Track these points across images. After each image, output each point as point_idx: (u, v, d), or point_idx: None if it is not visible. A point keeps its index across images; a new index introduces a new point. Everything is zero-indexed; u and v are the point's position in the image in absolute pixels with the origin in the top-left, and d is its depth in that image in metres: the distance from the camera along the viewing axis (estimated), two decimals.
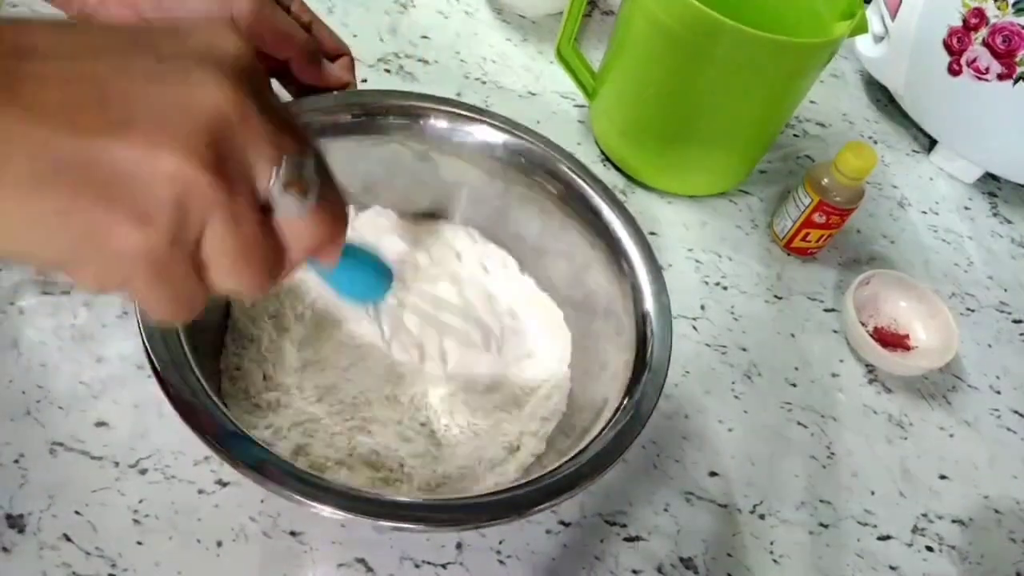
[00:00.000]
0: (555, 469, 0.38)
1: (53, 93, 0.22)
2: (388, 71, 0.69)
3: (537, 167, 0.50)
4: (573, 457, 0.39)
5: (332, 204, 0.28)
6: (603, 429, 0.40)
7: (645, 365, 0.42)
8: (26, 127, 0.21)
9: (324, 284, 0.34)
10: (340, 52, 0.47)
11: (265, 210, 0.25)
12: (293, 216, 0.26)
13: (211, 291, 0.26)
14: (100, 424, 0.44)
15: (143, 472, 0.43)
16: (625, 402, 0.41)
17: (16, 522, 0.40)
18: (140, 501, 0.42)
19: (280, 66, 0.46)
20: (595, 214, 0.49)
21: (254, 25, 0.42)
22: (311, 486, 0.33)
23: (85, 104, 0.22)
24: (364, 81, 0.66)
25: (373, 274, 0.35)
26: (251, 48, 0.25)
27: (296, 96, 0.48)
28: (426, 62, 0.71)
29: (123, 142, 0.22)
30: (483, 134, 0.49)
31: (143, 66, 0.23)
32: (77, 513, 0.41)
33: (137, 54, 0.23)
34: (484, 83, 0.71)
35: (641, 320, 0.44)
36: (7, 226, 0.22)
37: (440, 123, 0.49)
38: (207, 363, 0.41)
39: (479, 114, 0.50)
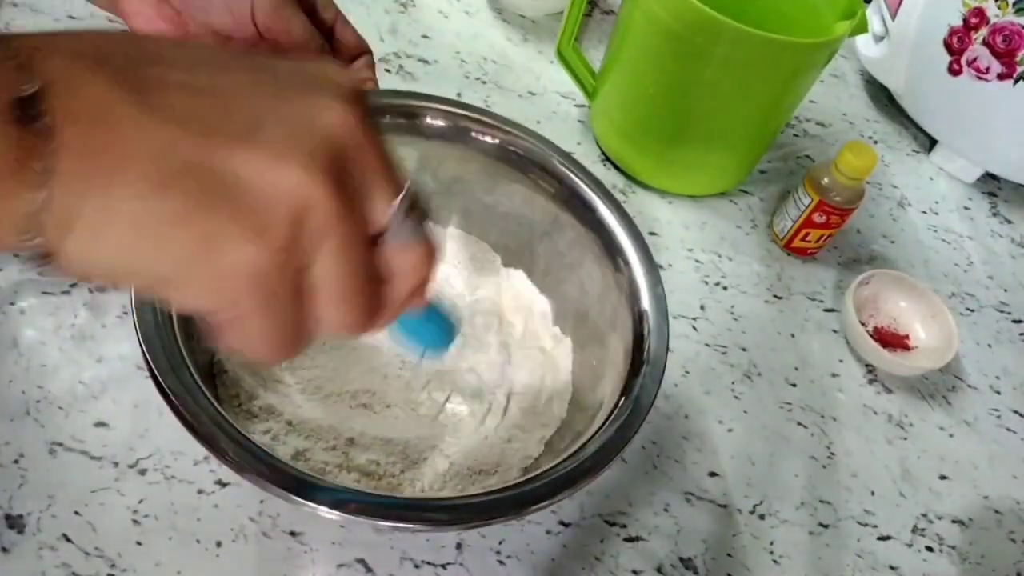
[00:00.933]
0: (554, 467, 0.38)
1: (181, 99, 0.21)
2: (388, 71, 0.69)
3: (533, 165, 0.50)
4: (573, 454, 0.39)
5: (431, 237, 0.27)
6: (602, 425, 0.40)
7: (643, 360, 0.42)
8: (154, 128, 0.21)
9: (395, 331, 0.32)
10: (362, 51, 0.47)
11: (373, 243, 0.25)
12: (409, 241, 0.25)
13: (314, 325, 0.24)
14: (100, 424, 0.44)
15: (142, 472, 0.43)
16: (623, 400, 0.41)
17: (16, 522, 0.40)
18: (140, 501, 0.42)
19: None
20: (591, 211, 0.48)
21: (271, 25, 0.42)
22: (310, 487, 0.33)
23: (212, 112, 0.22)
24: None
25: (444, 325, 0.33)
26: (363, 87, 0.25)
27: None
28: (426, 62, 0.71)
29: (249, 151, 0.22)
30: (481, 134, 0.49)
31: (267, 83, 0.23)
32: (76, 513, 0.41)
33: (260, 72, 0.23)
34: (484, 83, 0.71)
35: (638, 319, 0.44)
36: (119, 232, 0.21)
37: (437, 122, 0.49)
38: (203, 365, 0.41)
39: (477, 113, 0.50)
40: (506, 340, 0.51)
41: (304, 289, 0.23)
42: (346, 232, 0.23)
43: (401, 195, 0.25)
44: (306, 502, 0.33)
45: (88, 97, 0.20)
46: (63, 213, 0.20)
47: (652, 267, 0.46)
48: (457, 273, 0.52)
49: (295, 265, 0.23)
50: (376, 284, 0.25)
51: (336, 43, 0.46)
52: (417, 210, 0.25)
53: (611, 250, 0.47)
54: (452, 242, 0.53)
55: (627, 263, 0.46)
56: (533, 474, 0.38)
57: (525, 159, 0.50)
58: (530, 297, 0.52)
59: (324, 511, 0.33)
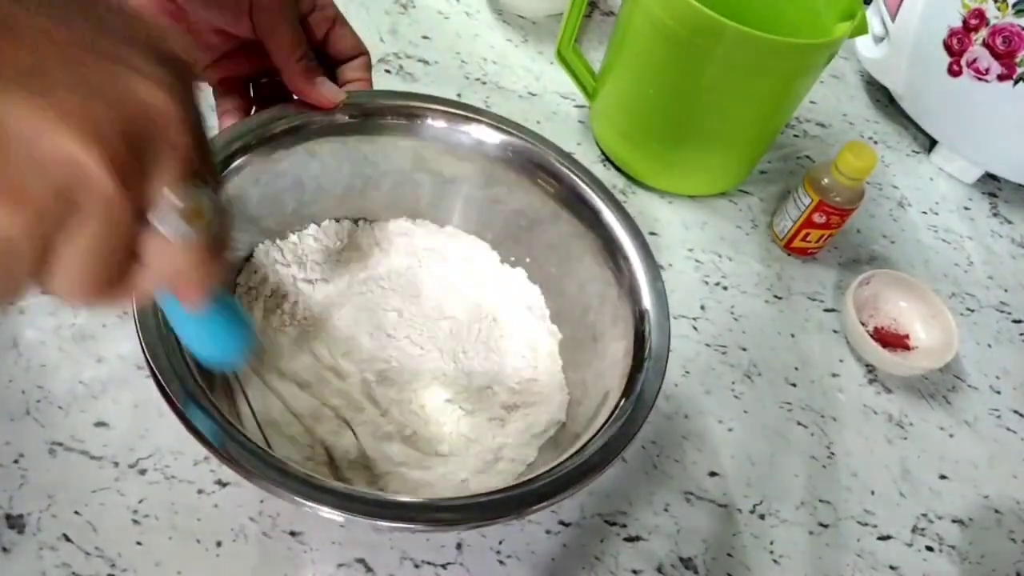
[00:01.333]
0: (558, 466, 0.38)
1: None
2: (388, 72, 0.69)
3: (530, 163, 0.50)
4: (577, 451, 0.38)
5: (215, 243, 0.25)
6: (606, 422, 0.40)
7: (645, 356, 0.42)
8: None
9: (178, 334, 0.31)
10: (359, 53, 0.47)
11: (140, 230, 0.23)
12: (171, 238, 0.24)
13: (44, 282, 0.23)
14: (100, 424, 0.44)
15: (143, 472, 0.43)
16: (625, 397, 0.41)
17: (16, 522, 0.40)
18: (140, 501, 0.42)
19: (274, 67, 0.45)
20: (590, 209, 0.48)
21: (264, 26, 0.42)
22: (309, 487, 0.33)
23: (6, 53, 0.20)
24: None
25: (230, 332, 0.31)
26: (195, 61, 0.24)
27: (261, 102, 0.48)
28: (426, 63, 0.71)
29: (32, 107, 0.20)
30: (479, 133, 0.50)
31: (85, 32, 0.21)
32: (77, 513, 0.41)
33: (83, 18, 0.21)
34: (484, 84, 0.71)
35: (639, 316, 0.44)
36: None
37: (437, 123, 0.49)
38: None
39: (475, 114, 0.50)
40: (504, 339, 0.51)
41: (48, 248, 0.22)
42: (112, 216, 0.22)
43: (181, 187, 0.23)
44: (306, 502, 0.33)
45: None
46: None
47: (652, 263, 0.46)
48: (456, 272, 0.52)
49: (45, 233, 0.21)
50: (124, 263, 0.23)
51: (333, 43, 0.46)
52: (198, 209, 0.24)
53: (610, 247, 0.47)
54: (451, 241, 0.53)
55: (626, 259, 0.46)
56: (536, 473, 0.38)
57: (525, 159, 0.50)
58: (529, 296, 0.52)
59: (325, 511, 0.33)
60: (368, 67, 0.48)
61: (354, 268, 0.51)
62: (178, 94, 0.22)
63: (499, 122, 0.50)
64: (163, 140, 0.22)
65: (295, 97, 0.45)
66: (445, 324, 0.50)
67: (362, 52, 0.47)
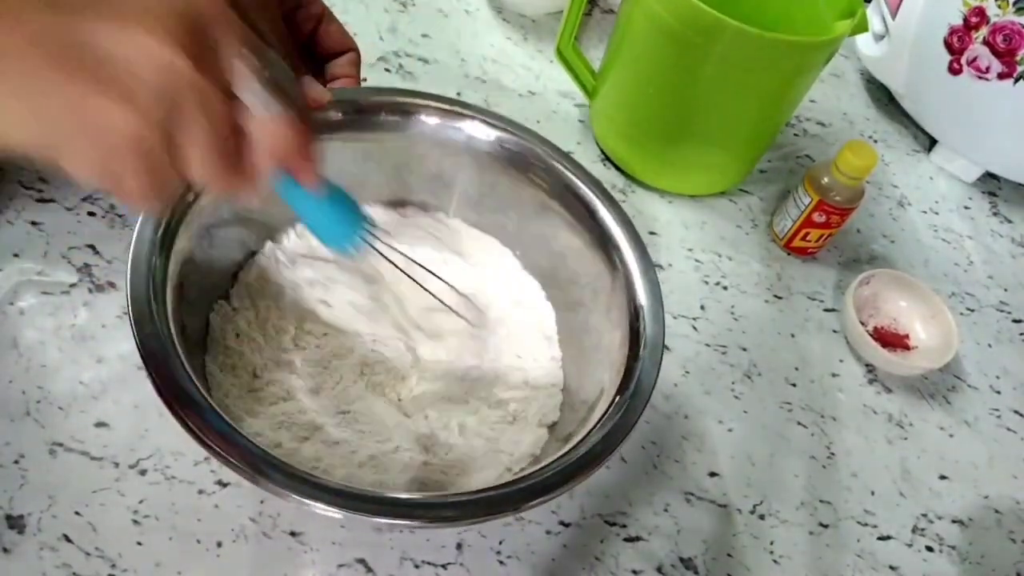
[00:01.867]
0: (557, 460, 0.38)
1: None
2: (388, 70, 0.69)
3: (523, 158, 0.50)
4: (576, 445, 0.38)
5: (300, 114, 0.29)
6: (605, 413, 0.40)
7: (641, 344, 0.42)
8: (26, 12, 0.23)
9: (301, 220, 0.35)
10: (347, 48, 0.47)
11: (236, 107, 0.27)
12: (261, 111, 0.27)
13: (183, 178, 0.27)
14: (100, 424, 0.44)
15: (143, 472, 0.43)
16: (621, 392, 0.41)
17: (16, 522, 0.40)
18: (140, 501, 0.42)
19: None
20: (583, 203, 0.49)
21: (249, 24, 0.42)
22: (308, 485, 0.33)
23: None
24: (364, 80, 0.66)
25: (348, 212, 0.35)
26: None
27: None
28: (426, 61, 0.71)
29: (109, 24, 0.24)
30: (475, 130, 0.50)
31: None
32: (77, 514, 0.41)
33: None
34: (484, 82, 0.71)
35: (634, 307, 0.44)
36: (4, 115, 0.24)
37: (432, 120, 0.49)
38: (197, 365, 0.41)
39: (471, 111, 0.50)
40: (503, 334, 0.51)
41: (173, 143, 0.26)
42: (206, 95, 0.26)
43: (256, 62, 0.27)
44: (307, 500, 0.33)
45: None
46: None
47: (644, 254, 0.46)
48: (452, 263, 0.52)
49: (163, 125, 0.25)
50: (237, 142, 0.28)
51: (321, 40, 0.46)
52: (271, 79, 0.28)
53: (602, 239, 0.47)
54: (448, 235, 0.54)
55: (618, 249, 0.47)
56: (539, 466, 0.38)
57: (515, 153, 0.50)
58: (524, 287, 0.53)
59: (325, 509, 0.33)
60: (356, 63, 0.48)
61: (352, 265, 0.50)
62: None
63: (490, 117, 0.50)
64: (218, 24, 0.26)
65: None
66: (442, 318, 0.50)
67: (351, 48, 0.47)
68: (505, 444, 0.46)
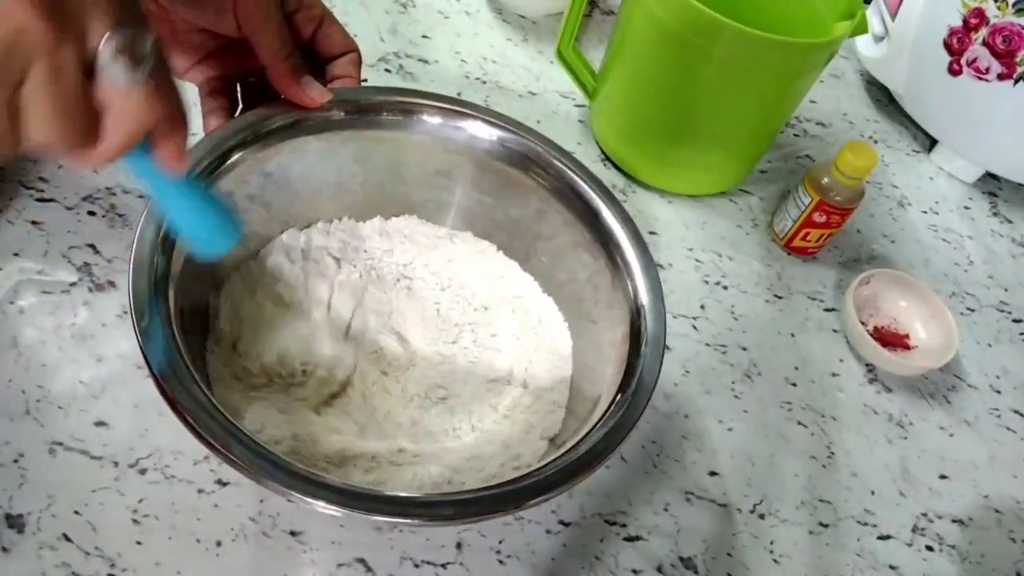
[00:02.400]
0: (560, 457, 0.38)
1: None
2: (388, 71, 0.69)
3: (524, 157, 0.50)
4: (579, 442, 0.38)
5: (165, 91, 0.28)
6: (607, 410, 0.40)
7: (641, 340, 0.42)
8: None
9: (169, 221, 0.34)
10: (348, 49, 0.47)
11: (90, 75, 0.26)
12: (119, 86, 0.27)
13: (22, 139, 0.26)
14: (100, 424, 0.44)
15: (143, 472, 0.43)
16: (624, 388, 0.41)
17: (15, 522, 0.40)
18: (140, 501, 0.42)
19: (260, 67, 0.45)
20: (582, 200, 0.49)
21: (248, 25, 0.42)
22: (308, 483, 0.33)
23: None
24: (365, 81, 0.66)
25: (216, 215, 0.34)
26: None
27: (248, 103, 0.47)
28: (426, 62, 0.71)
29: None
30: (476, 130, 0.50)
31: None
32: (76, 513, 0.41)
33: None
34: (484, 83, 0.71)
35: (635, 304, 0.44)
36: None
37: (434, 119, 0.49)
38: (199, 364, 0.41)
39: (472, 110, 0.50)
40: (503, 331, 0.51)
41: (15, 106, 0.25)
42: (56, 57, 0.25)
43: (112, 33, 0.26)
44: (308, 499, 0.33)
45: None
46: None
47: (644, 250, 0.46)
48: (453, 265, 0.53)
49: (8, 80, 0.25)
50: (88, 112, 0.27)
51: (322, 42, 0.46)
52: (134, 53, 0.27)
53: (604, 237, 0.47)
54: (448, 235, 0.54)
55: (618, 246, 0.46)
56: (540, 465, 0.38)
57: (515, 151, 0.50)
58: (525, 287, 0.53)
59: (326, 507, 0.33)
60: (357, 64, 0.48)
61: (351, 264, 0.51)
62: None
63: (491, 116, 0.50)
64: None
65: (281, 97, 0.45)
66: (442, 319, 0.50)
67: (351, 49, 0.47)
68: (510, 441, 0.46)
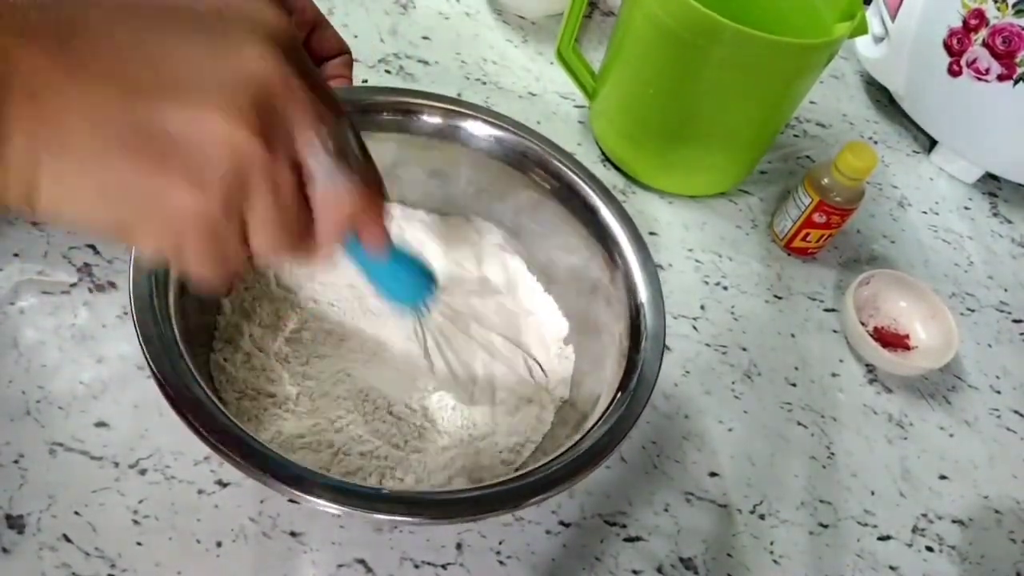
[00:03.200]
0: (562, 455, 0.38)
1: (107, 63, 0.23)
2: (388, 72, 0.69)
3: (520, 156, 0.50)
4: (581, 439, 0.38)
5: (368, 177, 0.28)
6: (608, 407, 0.40)
7: (641, 337, 0.42)
8: (86, 95, 0.23)
9: (368, 283, 0.34)
10: (340, 51, 0.48)
11: (303, 179, 0.27)
12: (333, 186, 0.27)
13: (250, 254, 0.27)
14: (100, 424, 0.44)
15: (143, 472, 0.43)
16: (624, 385, 0.41)
17: (16, 522, 0.40)
18: (140, 501, 0.42)
19: None
20: (580, 198, 0.49)
21: None
22: (308, 482, 0.34)
23: (139, 70, 0.23)
24: (365, 81, 0.66)
25: (416, 275, 0.35)
26: (289, 20, 0.26)
27: None
28: (426, 63, 0.71)
29: (176, 106, 0.23)
30: (476, 129, 0.50)
31: (190, 32, 0.24)
32: (77, 513, 0.41)
33: (182, 21, 0.24)
34: (484, 84, 0.71)
35: (635, 302, 0.44)
36: (73, 196, 0.24)
37: (435, 120, 0.49)
38: (202, 364, 0.41)
39: (472, 110, 0.50)
40: (503, 331, 0.51)
41: (241, 222, 0.26)
42: (273, 170, 0.25)
43: (325, 134, 0.26)
44: (309, 497, 0.33)
45: (26, 72, 0.22)
46: (25, 174, 0.23)
47: (642, 247, 0.46)
48: (455, 260, 0.53)
49: (232, 204, 0.25)
50: (303, 215, 0.27)
51: (316, 45, 0.46)
52: (340, 150, 0.27)
53: (603, 236, 0.47)
54: (449, 231, 0.54)
55: (617, 244, 0.47)
56: (541, 463, 0.38)
57: (513, 150, 0.50)
58: (528, 285, 0.53)
59: (327, 506, 0.33)
60: (349, 65, 0.48)
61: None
62: (283, 55, 0.25)
63: (491, 116, 0.50)
64: (287, 100, 0.25)
65: None
66: (443, 316, 0.50)
67: (344, 50, 0.48)
68: (510, 438, 0.46)
